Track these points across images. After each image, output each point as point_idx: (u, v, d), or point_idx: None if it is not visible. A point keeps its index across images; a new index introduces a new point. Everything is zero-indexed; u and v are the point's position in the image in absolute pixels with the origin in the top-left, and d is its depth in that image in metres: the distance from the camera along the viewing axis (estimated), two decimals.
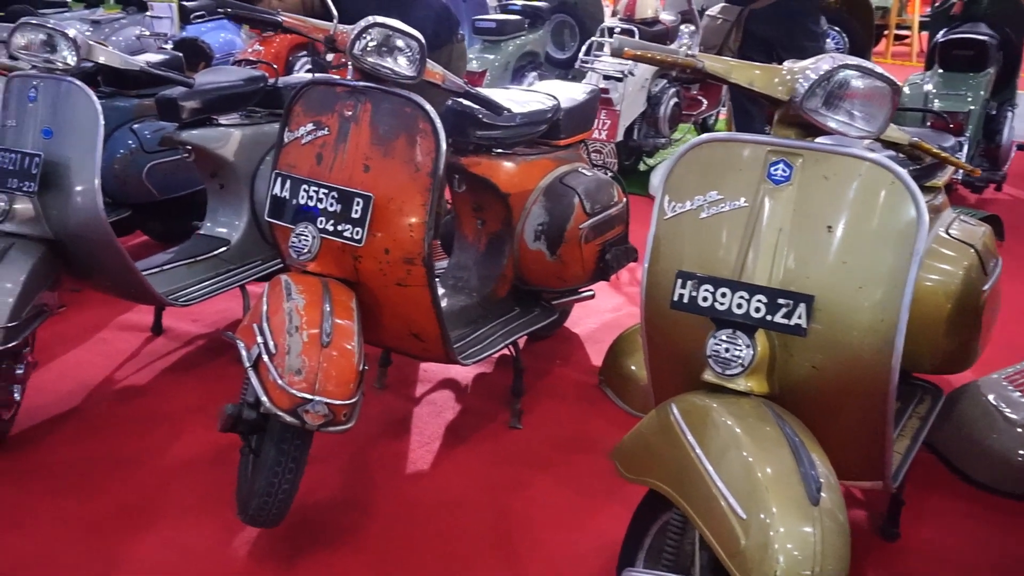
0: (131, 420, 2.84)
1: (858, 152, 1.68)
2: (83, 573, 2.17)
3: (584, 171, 2.98)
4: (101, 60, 2.61)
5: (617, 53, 1.70)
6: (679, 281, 1.74)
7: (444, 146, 2.13)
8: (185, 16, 7.25)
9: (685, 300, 1.73)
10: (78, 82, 2.55)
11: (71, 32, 2.52)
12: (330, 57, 7.00)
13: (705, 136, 1.84)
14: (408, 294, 2.24)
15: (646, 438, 1.77)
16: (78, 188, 2.56)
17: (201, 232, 3.35)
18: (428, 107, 2.13)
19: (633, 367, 2.96)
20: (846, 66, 1.64)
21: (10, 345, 2.43)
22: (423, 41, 2.12)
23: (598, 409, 2.97)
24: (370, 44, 2.11)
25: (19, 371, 2.66)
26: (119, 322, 3.53)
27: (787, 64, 1.74)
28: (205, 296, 3.05)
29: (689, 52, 1.74)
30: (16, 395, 2.68)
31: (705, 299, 1.70)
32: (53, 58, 2.53)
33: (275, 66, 4.80)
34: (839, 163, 1.68)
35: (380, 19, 2.11)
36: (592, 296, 3.18)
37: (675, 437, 1.63)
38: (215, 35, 7.23)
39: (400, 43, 2.11)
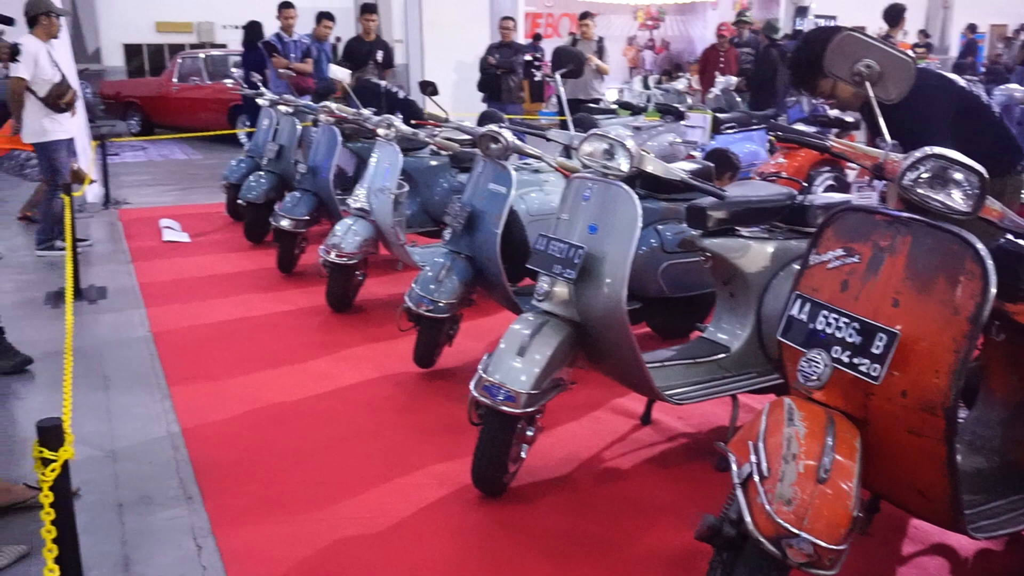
0: (609, 501, 3.00)
1: None
2: None
3: None
4: (648, 169, 2.85)
5: None
6: None
7: (992, 292, 1.91)
8: (716, 126, 7.72)
9: None
10: (626, 187, 2.82)
11: (629, 144, 2.80)
12: (852, 174, 6.85)
13: None
14: (920, 445, 2.02)
15: None
16: (608, 280, 2.81)
17: (703, 335, 3.45)
18: (980, 247, 1.93)
19: None
20: None
21: (529, 410, 2.74)
22: (985, 176, 1.93)
23: None
24: (923, 176, 1.99)
25: (529, 433, 2.99)
26: (613, 405, 3.78)
27: None
28: (698, 398, 3.12)
29: None
30: (523, 454, 3.01)
31: None
32: (610, 164, 2.84)
33: (804, 183, 4.81)
34: None
35: (938, 150, 1.97)
36: None
37: None
38: (741, 145, 7.55)
39: (958, 176, 1.95)
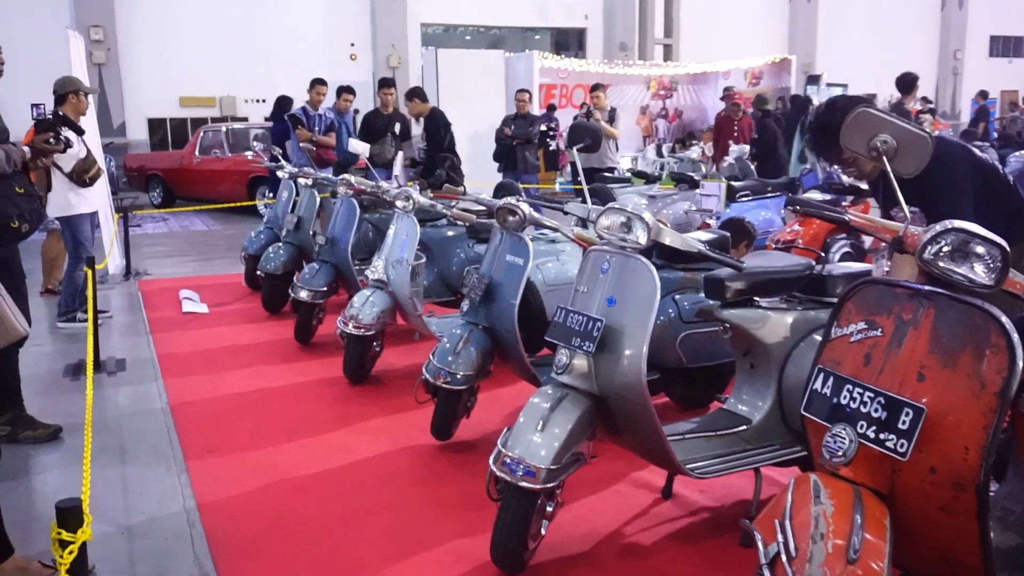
0: None
1: None
2: None
3: None
4: (666, 241, 2.86)
5: None
6: None
7: (1020, 365, 1.88)
8: (731, 195, 7.77)
9: None
10: (644, 260, 2.82)
11: (646, 216, 2.81)
12: (867, 241, 6.84)
13: None
14: (951, 522, 1.97)
15: None
16: (627, 352, 2.80)
17: (724, 407, 3.41)
18: (1004, 320, 1.91)
19: None
20: None
21: (549, 485, 2.70)
22: (1007, 249, 1.93)
23: None
24: (944, 249, 1.98)
25: (549, 508, 2.94)
26: (633, 478, 3.72)
27: None
28: (719, 472, 3.07)
29: None
30: (543, 530, 2.95)
31: None
32: (628, 237, 2.84)
33: (820, 252, 4.81)
34: None
35: (958, 224, 1.97)
36: None
37: None
38: (756, 213, 7.58)
39: (979, 250, 1.95)
